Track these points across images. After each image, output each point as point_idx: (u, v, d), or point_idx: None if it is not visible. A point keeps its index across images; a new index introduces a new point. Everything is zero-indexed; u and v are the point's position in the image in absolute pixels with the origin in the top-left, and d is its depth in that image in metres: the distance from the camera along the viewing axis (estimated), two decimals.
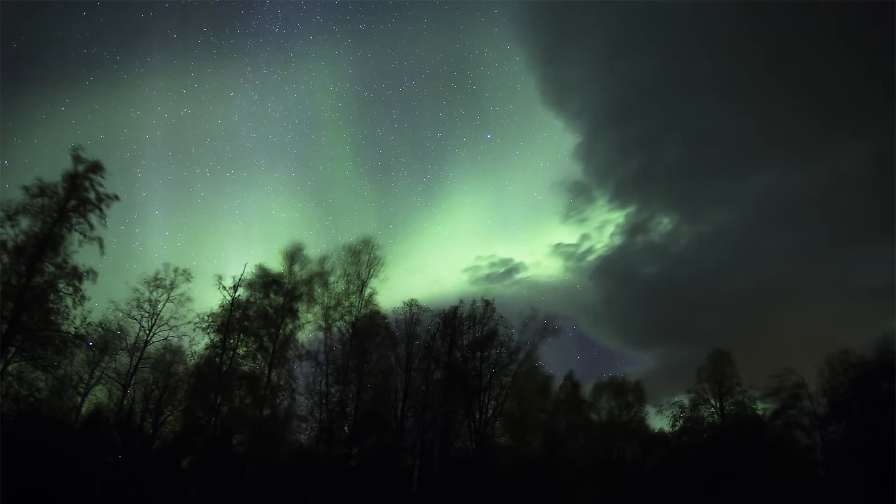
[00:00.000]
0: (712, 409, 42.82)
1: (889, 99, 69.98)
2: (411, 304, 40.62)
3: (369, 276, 38.47)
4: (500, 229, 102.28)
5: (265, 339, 35.06)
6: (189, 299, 33.34)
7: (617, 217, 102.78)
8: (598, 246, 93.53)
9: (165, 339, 33.00)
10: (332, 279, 38.20)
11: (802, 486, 35.18)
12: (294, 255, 37.28)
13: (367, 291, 38.23)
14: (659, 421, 46.17)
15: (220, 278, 34.27)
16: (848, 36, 78.28)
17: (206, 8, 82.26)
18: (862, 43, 76.45)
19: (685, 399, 43.64)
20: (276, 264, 37.01)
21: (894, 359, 34.16)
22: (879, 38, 68.99)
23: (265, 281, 36.02)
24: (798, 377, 37.58)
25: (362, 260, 38.76)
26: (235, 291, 34.12)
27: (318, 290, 37.61)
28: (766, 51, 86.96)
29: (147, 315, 32.48)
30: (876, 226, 73.60)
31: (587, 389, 49.64)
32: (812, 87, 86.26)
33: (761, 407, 40.79)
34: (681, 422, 43.55)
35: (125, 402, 33.09)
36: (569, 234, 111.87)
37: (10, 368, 25.18)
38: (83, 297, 26.27)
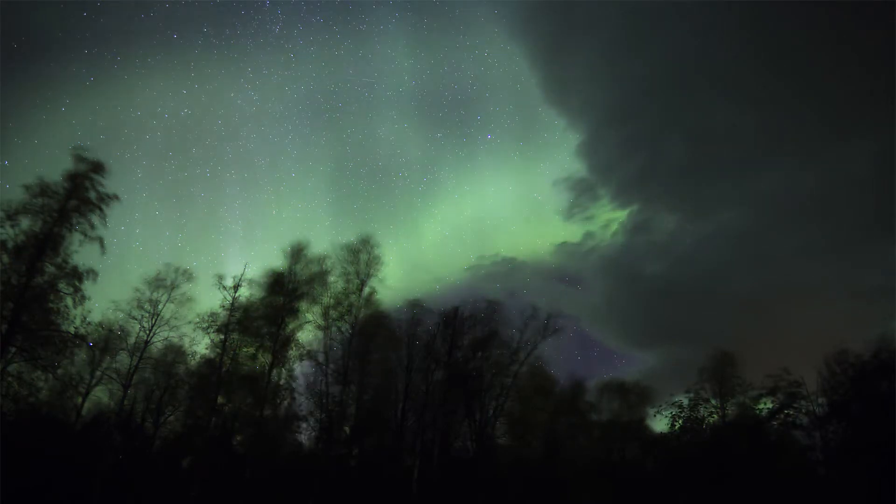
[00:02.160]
0: (712, 409, 42.72)
1: (889, 99, 70.05)
2: (412, 304, 40.75)
3: (368, 276, 38.42)
4: (501, 229, 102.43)
5: (266, 338, 35.03)
6: (190, 299, 33.45)
7: (620, 216, 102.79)
8: (602, 245, 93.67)
9: (166, 339, 33.09)
10: (331, 278, 38.19)
11: (802, 486, 35.16)
12: (297, 253, 37.22)
13: (367, 290, 38.22)
14: (658, 422, 46.08)
15: (220, 278, 34.26)
16: (848, 36, 78.43)
17: (206, 8, 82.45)
18: (862, 43, 76.60)
19: (685, 399, 43.54)
20: (277, 264, 37.05)
21: (894, 359, 34.14)
22: (879, 38, 69.12)
23: (267, 280, 36.01)
24: (796, 376, 37.60)
25: (361, 259, 38.70)
26: (236, 291, 34.09)
27: (318, 290, 37.59)
28: (766, 51, 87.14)
29: (148, 315, 32.52)
30: (876, 226, 73.69)
31: (587, 389, 49.63)
32: (812, 87, 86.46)
33: (762, 407, 40.70)
34: (680, 422, 43.44)
35: (126, 403, 33.08)
36: (572, 233, 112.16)
37: (10, 368, 25.11)
38: (83, 297, 26.15)
